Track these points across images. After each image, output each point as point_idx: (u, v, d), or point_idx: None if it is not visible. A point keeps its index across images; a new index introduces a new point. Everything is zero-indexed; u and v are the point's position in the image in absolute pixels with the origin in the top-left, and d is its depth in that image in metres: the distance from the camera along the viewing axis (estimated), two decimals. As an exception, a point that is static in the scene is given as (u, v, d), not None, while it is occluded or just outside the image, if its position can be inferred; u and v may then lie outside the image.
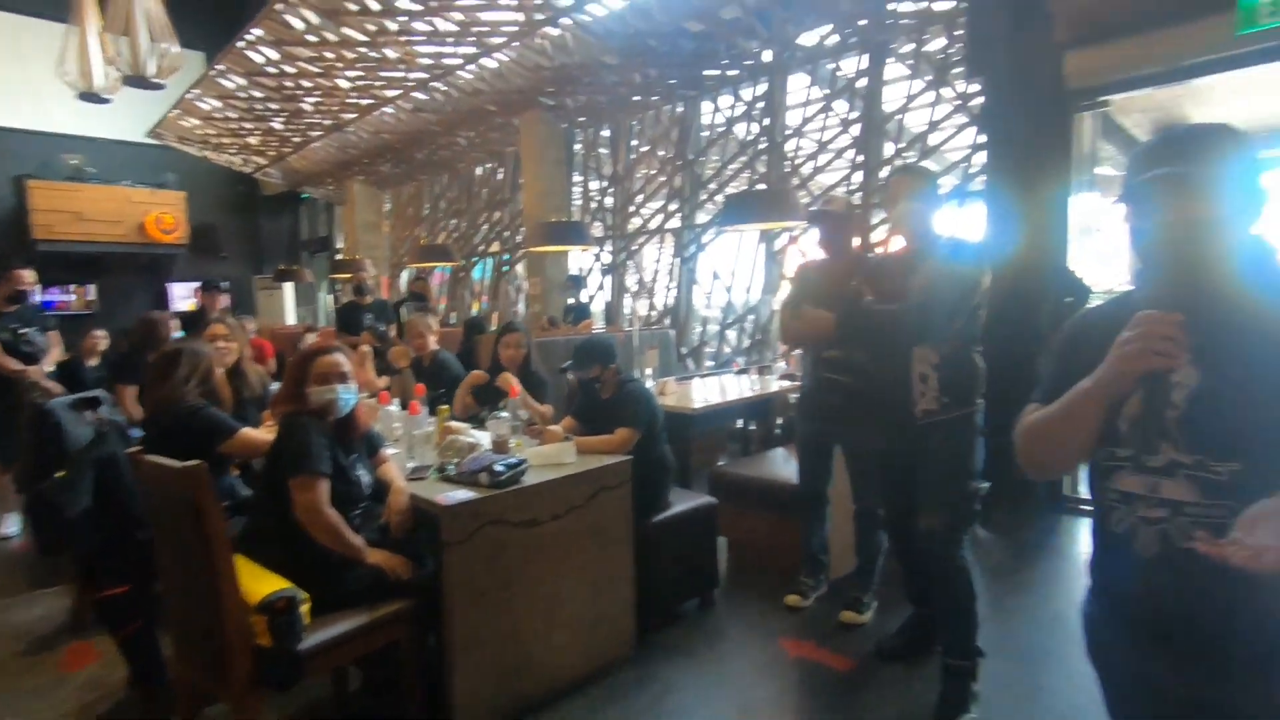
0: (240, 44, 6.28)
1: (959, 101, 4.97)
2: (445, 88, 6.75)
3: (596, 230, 7.74)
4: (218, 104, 7.81)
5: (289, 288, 11.53)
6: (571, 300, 6.87)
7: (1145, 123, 6.42)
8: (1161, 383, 0.95)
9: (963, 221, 4.88)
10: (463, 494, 2.16)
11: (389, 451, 2.46)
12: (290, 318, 11.51)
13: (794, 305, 2.73)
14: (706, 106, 6.80)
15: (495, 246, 8.98)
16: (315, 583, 1.89)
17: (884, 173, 5.27)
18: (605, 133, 7.66)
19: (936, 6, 4.92)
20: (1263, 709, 0.94)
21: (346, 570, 1.98)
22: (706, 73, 6.32)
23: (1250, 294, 0.94)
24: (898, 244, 2.39)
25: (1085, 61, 3.82)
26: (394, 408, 3.15)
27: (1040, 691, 2.34)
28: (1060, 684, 2.37)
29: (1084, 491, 4.32)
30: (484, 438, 2.61)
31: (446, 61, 6.30)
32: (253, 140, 9.04)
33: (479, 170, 9.32)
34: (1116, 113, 5.70)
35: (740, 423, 5.04)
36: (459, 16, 5.41)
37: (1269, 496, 0.84)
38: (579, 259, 7.80)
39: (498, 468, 2.25)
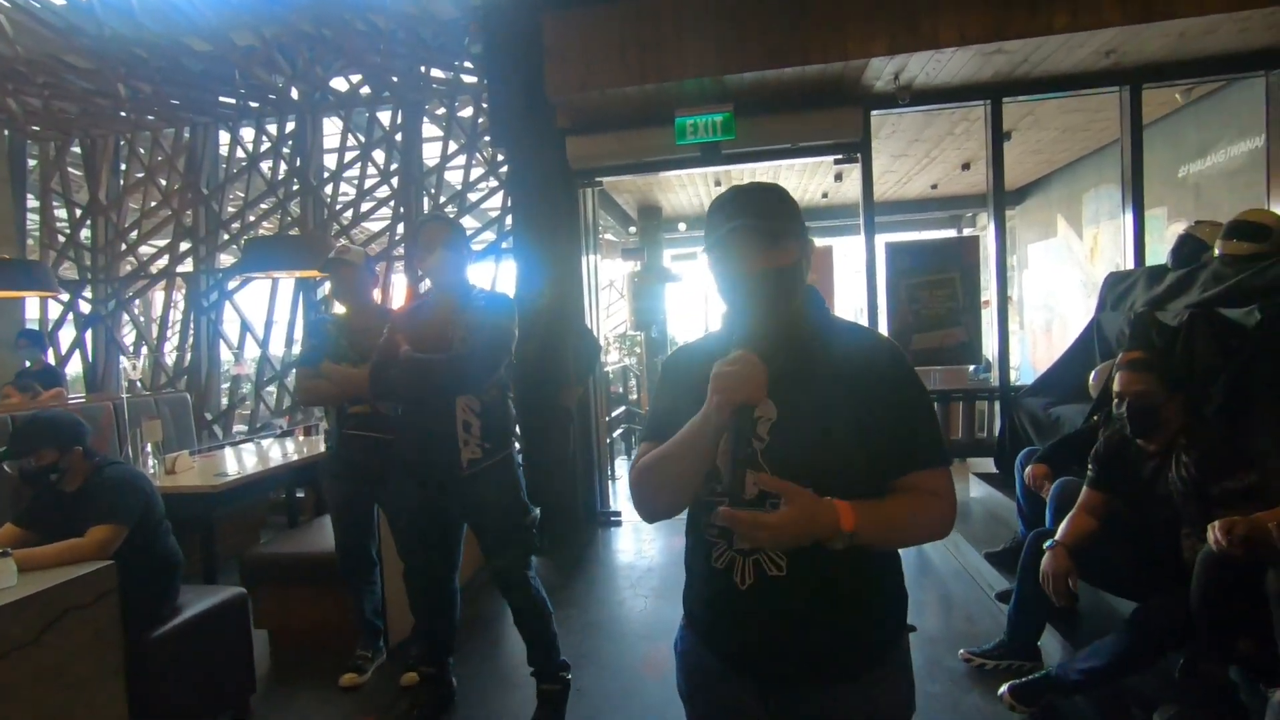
0: None
1: (489, 166, 5.46)
2: None
3: (69, 271, 6.02)
4: None
5: None
6: (30, 363, 5.16)
7: (632, 201, 8.08)
8: (747, 418, 0.99)
9: (497, 275, 5.35)
10: None
11: None
12: None
13: (311, 362, 2.56)
14: (224, 137, 5.98)
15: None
16: None
17: (426, 226, 5.42)
18: (76, 149, 6.05)
19: (465, 78, 5.33)
20: (854, 712, 1.04)
21: None
22: (222, 99, 5.58)
23: (810, 334, 1.06)
24: (424, 292, 2.38)
25: (580, 148, 4.60)
26: None
27: (580, 694, 2.62)
28: (596, 684, 2.70)
29: (615, 505, 5.11)
30: None
31: None
32: None
33: None
34: (611, 190, 7.06)
35: (284, 493, 4.48)
36: None
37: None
38: (42, 308, 5.94)
39: None
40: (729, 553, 1.04)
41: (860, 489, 0.99)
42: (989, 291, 4.80)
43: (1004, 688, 2.36)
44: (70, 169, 6.19)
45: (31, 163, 6.20)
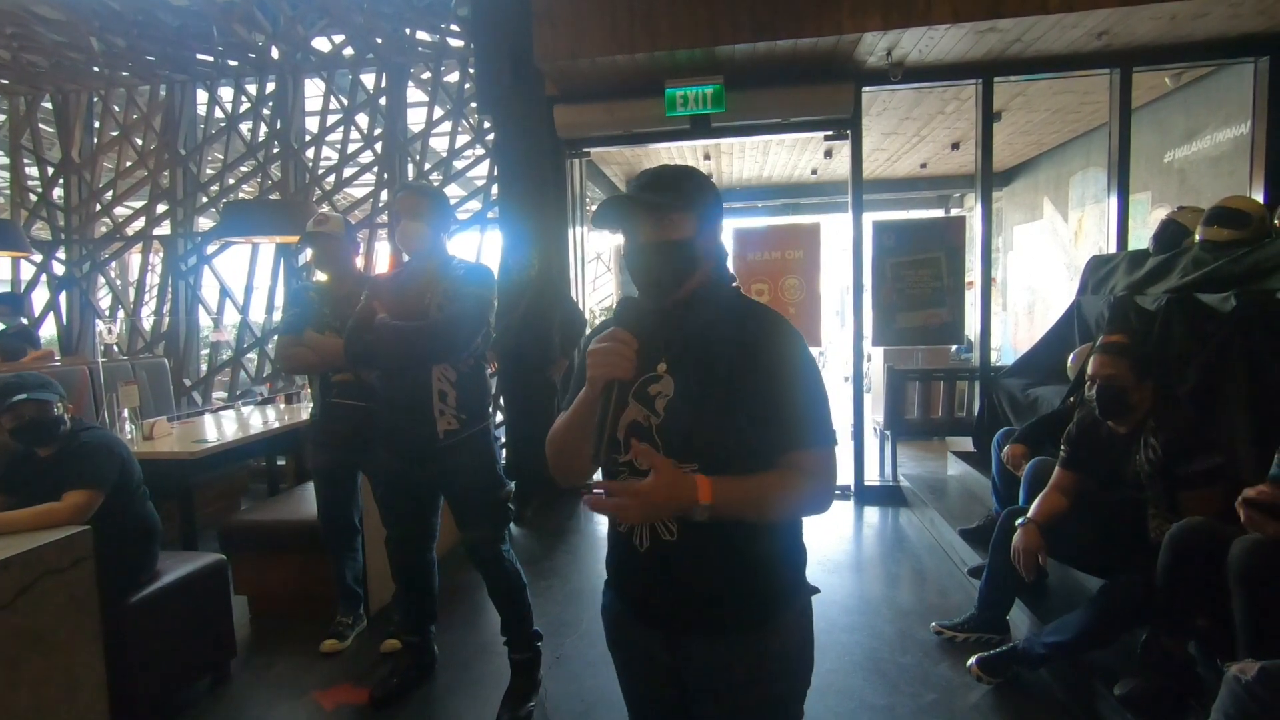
0: None
1: (476, 133, 5.36)
2: None
3: (42, 231, 5.88)
4: None
5: None
6: (4, 325, 5.06)
7: (621, 173, 8.00)
8: (645, 392, 1.05)
9: (482, 245, 5.28)
10: None
11: None
12: None
13: (293, 330, 2.54)
14: (202, 96, 5.82)
15: None
16: None
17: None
18: (48, 104, 5.86)
19: (451, 42, 5.21)
20: (751, 669, 1.09)
21: None
22: (200, 56, 5.41)
23: (711, 312, 1.09)
24: (404, 261, 2.36)
25: (568, 117, 4.53)
26: None
27: (560, 660, 2.67)
28: (576, 651, 2.75)
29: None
30: None
31: None
32: None
33: None
34: (599, 162, 6.98)
35: (265, 460, 4.46)
36: None
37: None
38: (14, 269, 5.79)
39: None
40: None
41: (755, 466, 1.03)
42: (973, 272, 4.83)
43: (972, 659, 2.43)
44: (42, 125, 5.99)
45: (1, 117, 6.00)
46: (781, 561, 1.12)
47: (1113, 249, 4.32)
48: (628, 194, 1.08)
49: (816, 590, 1.18)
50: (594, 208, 8.49)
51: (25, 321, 5.45)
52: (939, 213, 9.10)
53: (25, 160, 6.00)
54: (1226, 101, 4.71)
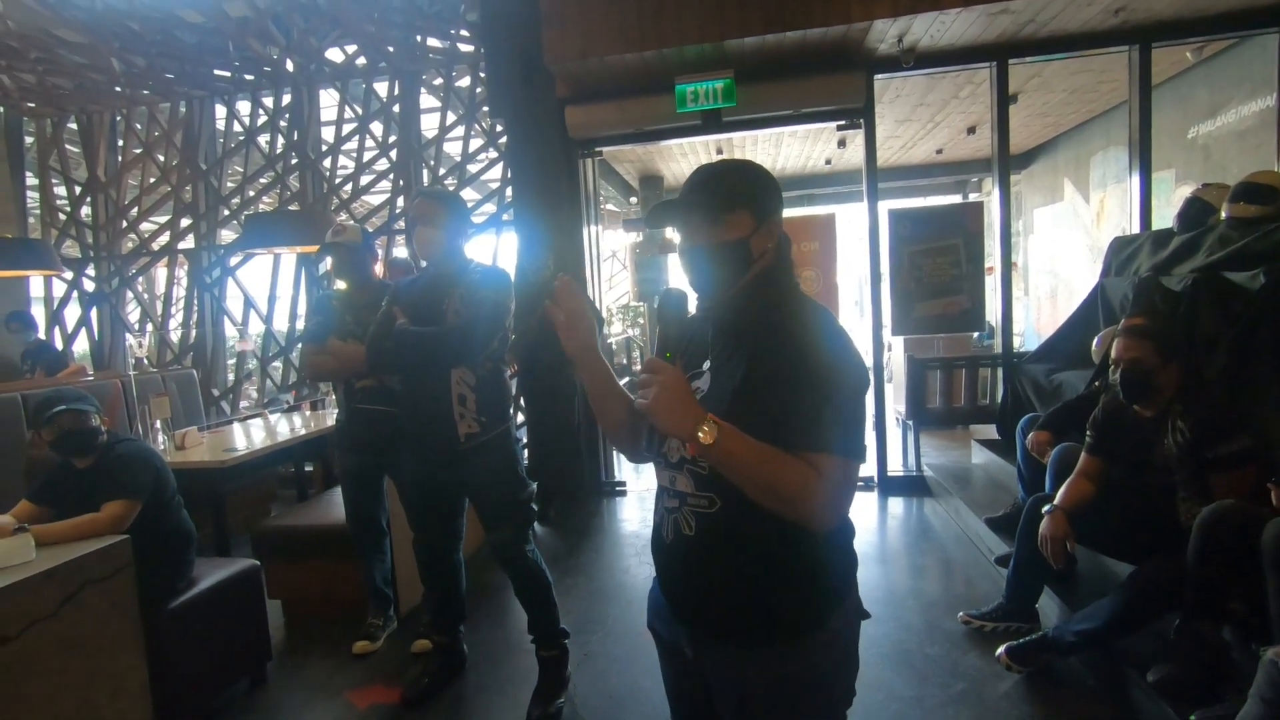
0: None
1: (488, 137, 5.40)
2: None
3: (71, 249, 6.03)
4: None
5: None
6: (32, 342, 5.20)
7: (633, 171, 8.00)
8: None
9: (498, 248, 5.32)
10: None
11: None
12: None
13: (316, 338, 2.59)
14: (220, 111, 5.92)
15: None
16: None
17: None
18: (73, 125, 6.01)
19: (462, 47, 5.25)
20: (769, 687, 1.04)
21: None
22: (217, 72, 5.51)
23: (754, 308, 1.05)
24: (424, 267, 2.40)
25: (579, 117, 4.54)
26: None
27: (588, 657, 2.69)
28: (602, 648, 2.78)
29: (619, 476, 5.16)
30: None
31: None
32: None
33: None
34: (611, 160, 6.99)
35: (294, 467, 4.54)
36: None
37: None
38: (46, 286, 5.95)
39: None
40: (663, 509, 1.12)
41: None
42: (993, 258, 4.77)
43: (1001, 649, 2.41)
44: (68, 145, 6.15)
45: (29, 140, 6.17)
46: (808, 579, 1.04)
47: (1136, 229, 4.24)
48: (678, 197, 1.06)
49: (866, 615, 1.13)
50: (609, 206, 8.51)
51: (57, 338, 5.61)
52: (956, 198, 8.98)
53: (54, 180, 6.16)
54: (1251, 74, 4.59)
